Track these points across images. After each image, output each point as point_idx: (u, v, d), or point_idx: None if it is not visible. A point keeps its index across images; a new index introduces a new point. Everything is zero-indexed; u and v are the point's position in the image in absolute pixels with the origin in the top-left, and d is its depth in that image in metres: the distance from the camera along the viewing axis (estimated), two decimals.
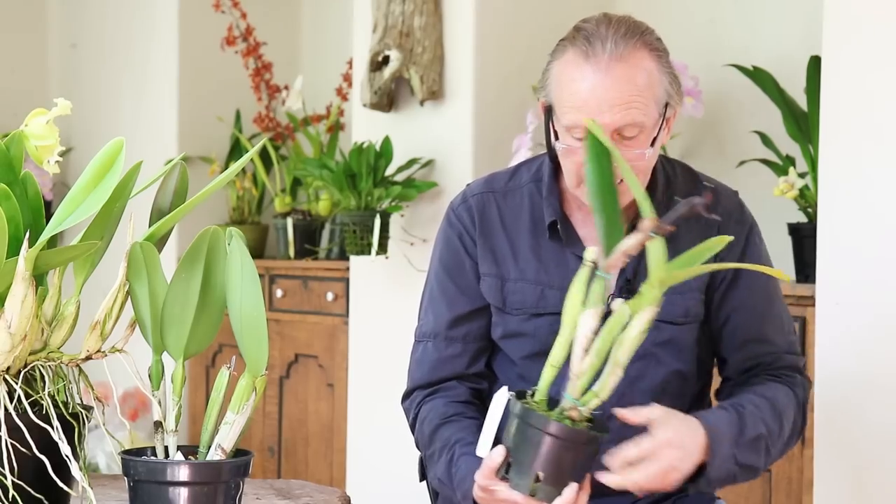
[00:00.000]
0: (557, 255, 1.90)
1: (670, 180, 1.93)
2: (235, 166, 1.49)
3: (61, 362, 1.41)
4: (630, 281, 1.85)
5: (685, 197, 1.90)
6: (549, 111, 1.84)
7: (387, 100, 3.38)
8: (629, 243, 1.54)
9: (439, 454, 1.87)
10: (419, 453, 2.01)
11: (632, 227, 1.68)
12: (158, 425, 1.44)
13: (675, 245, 1.68)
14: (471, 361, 1.95)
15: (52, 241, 1.38)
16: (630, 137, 1.77)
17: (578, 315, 1.58)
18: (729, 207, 1.92)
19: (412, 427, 1.98)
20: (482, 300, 1.94)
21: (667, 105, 1.81)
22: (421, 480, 2.07)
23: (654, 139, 1.80)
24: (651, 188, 1.88)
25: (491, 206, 1.95)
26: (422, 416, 1.94)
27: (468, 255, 1.95)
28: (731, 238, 1.61)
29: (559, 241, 1.90)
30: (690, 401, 1.93)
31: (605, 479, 1.65)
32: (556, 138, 1.82)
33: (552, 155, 1.89)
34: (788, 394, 1.87)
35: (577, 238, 1.91)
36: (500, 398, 1.67)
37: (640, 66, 1.77)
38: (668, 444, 1.67)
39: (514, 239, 1.93)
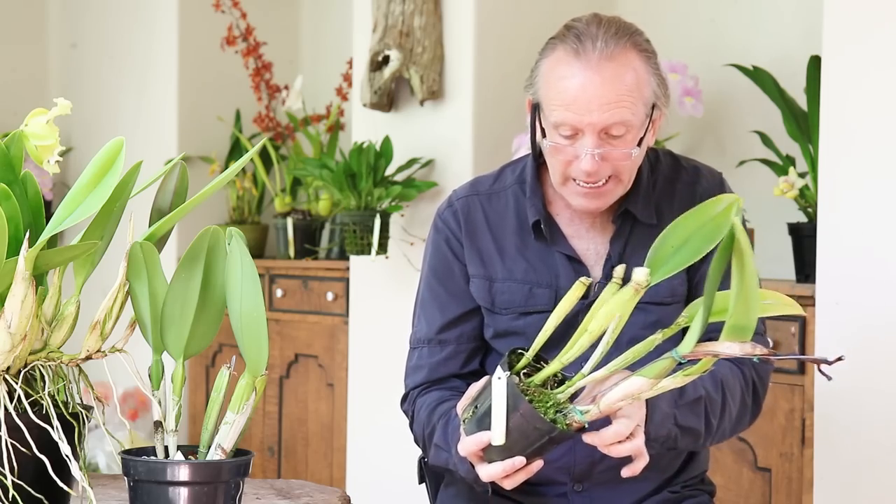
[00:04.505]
0: (544, 253, 1.92)
1: (654, 166, 1.95)
2: (235, 166, 1.49)
3: (61, 362, 1.41)
4: (614, 267, 1.85)
5: (669, 179, 1.92)
6: (535, 108, 1.85)
7: (387, 100, 3.38)
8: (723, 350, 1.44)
9: (437, 425, 1.88)
10: (419, 452, 2.01)
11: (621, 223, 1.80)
12: (158, 425, 1.44)
13: (661, 225, 1.70)
14: (465, 362, 1.96)
15: (52, 241, 1.38)
16: (617, 136, 1.79)
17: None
18: (709, 186, 1.93)
19: (411, 424, 1.97)
20: (473, 302, 1.95)
21: (654, 106, 1.82)
22: (420, 482, 2.07)
23: (641, 139, 1.81)
24: (636, 176, 1.89)
25: (476, 209, 1.97)
26: (419, 404, 1.94)
27: (456, 259, 1.96)
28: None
29: (545, 241, 1.92)
30: None
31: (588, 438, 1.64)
32: (543, 136, 1.83)
33: (537, 153, 1.90)
34: (733, 370, 1.86)
35: (562, 236, 1.92)
36: (500, 385, 1.65)
37: (629, 65, 1.78)
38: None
39: (500, 240, 1.94)
